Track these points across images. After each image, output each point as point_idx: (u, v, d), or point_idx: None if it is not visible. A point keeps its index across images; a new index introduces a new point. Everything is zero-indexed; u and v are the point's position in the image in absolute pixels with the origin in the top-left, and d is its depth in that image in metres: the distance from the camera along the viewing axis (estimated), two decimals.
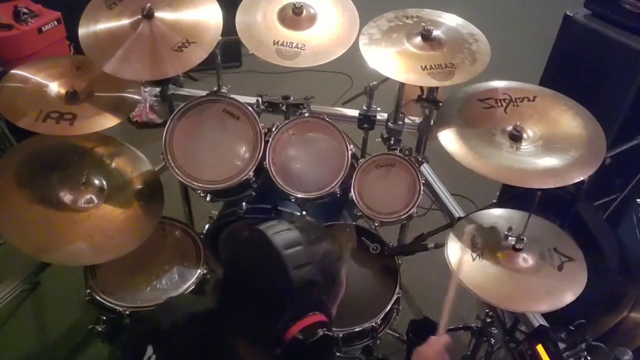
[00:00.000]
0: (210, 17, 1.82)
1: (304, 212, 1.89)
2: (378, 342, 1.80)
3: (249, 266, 1.01)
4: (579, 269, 1.51)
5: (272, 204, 1.96)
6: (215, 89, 2.01)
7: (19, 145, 1.88)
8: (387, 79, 1.79)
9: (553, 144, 1.56)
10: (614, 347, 1.51)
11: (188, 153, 1.82)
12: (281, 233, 0.99)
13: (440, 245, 1.62)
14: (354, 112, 2.09)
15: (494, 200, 2.27)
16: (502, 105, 1.69)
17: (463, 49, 1.77)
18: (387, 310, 1.75)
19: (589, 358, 1.53)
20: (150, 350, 1.08)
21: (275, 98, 1.99)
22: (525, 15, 4.94)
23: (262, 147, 1.81)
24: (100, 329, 1.79)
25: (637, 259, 2.19)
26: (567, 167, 1.49)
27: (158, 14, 1.78)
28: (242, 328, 1.02)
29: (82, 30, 1.74)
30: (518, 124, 1.58)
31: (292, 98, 2.00)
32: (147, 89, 2.91)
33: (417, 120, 2.10)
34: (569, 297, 1.43)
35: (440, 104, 1.81)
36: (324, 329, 0.97)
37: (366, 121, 2.05)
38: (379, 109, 2.06)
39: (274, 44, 1.82)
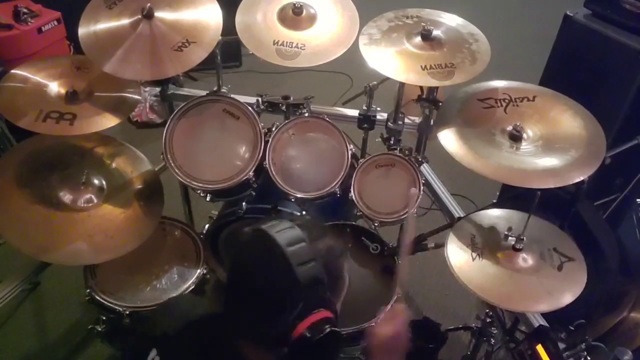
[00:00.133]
0: (210, 17, 1.82)
1: (303, 212, 1.89)
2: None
3: (253, 265, 1.00)
4: (579, 269, 1.51)
5: (272, 204, 1.96)
6: (215, 88, 2.01)
7: (19, 145, 1.88)
8: (387, 79, 1.80)
9: (553, 144, 1.56)
10: (614, 347, 1.51)
11: (188, 153, 1.82)
12: (284, 231, 0.99)
13: (440, 245, 1.62)
14: (354, 112, 2.09)
15: (494, 201, 2.27)
16: (502, 105, 1.69)
17: (463, 49, 1.77)
18: (387, 310, 1.75)
19: (588, 358, 1.53)
20: (154, 352, 1.08)
21: (275, 98, 1.99)
22: (525, 15, 4.94)
23: (262, 147, 1.81)
24: (100, 329, 1.79)
25: (637, 259, 2.19)
26: (567, 167, 1.49)
27: (158, 14, 1.78)
28: (248, 328, 1.02)
29: (82, 30, 1.74)
30: (518, 124, 1.59)
31: (292, 98, 2.00)
32: (147, 88, 2.91)
33: (417, 120, 2.10)
34: (568, 297, 1.44)
35: (440, 104, 1.81)
36: (330, 325, 0.96)
37: (366, 121, 2.05)
38: (378, 109, 2.06)
39: (274, 44, 1.82)
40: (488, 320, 1.75)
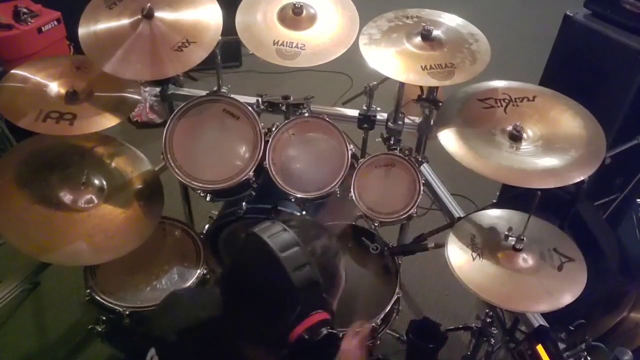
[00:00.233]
0: (210, 17, 1.82)
1: (303, 212, 1.89)
2: (378, 342, 1.80)
3: (249, 270, 1.01)
4: (579, 270, 1.51)
5: (272, 204, 1.96)
6: (215, 88, 2.01)
7: (19, 145, 1.88)
8: (387, 79, 1.80)
9: (553, 144, 1.56)
10: (614, 347, 1.51)
11: (188, 153, 1.82)
12: (276, 235, 0.99)
13: (440, 245, 1.62)
14: (354, 112, 2.09)
15: (494, 201, 2.27)
16: (501, 105, 1.69)
17: (463, 49, 1.77)
18: (387, 310, 1.75)
19: (588, 358, 1.53)
20: (152, 351, 1.08)
21: (275, 98, 1.99)
22: (525, 15, 4.94)
23: (262, 147, 1.81)
24: (100, 329, 1.80)
25: (637, 259, 2.19)
26: (567, 167, 1.49)
27: (158, 14, 1.78)
28: (247, 331, 1.02)
29: (82, 30, 1.74)
30: (518, 123, 1.59)
31: (292, 98, 2.00)
32: (147, 88, 2.91)
33: (417, 120, 2.10)
34: (568, 298, 1.44)
35: (440, 104, 1.81)
36: (328, 327, 0.97)
37: (366, 121, 2.05)
38: (378, 108, 2.06)
39: (274, 44, 1.81)
40: (488, 320, 1.75)
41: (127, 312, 1.70)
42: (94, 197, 1.73)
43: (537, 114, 1.65)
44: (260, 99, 1.98)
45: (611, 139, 1.91)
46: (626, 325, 1.96)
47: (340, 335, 1.48)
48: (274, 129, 1.87)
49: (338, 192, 1.81)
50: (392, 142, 2.02)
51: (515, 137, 1.58)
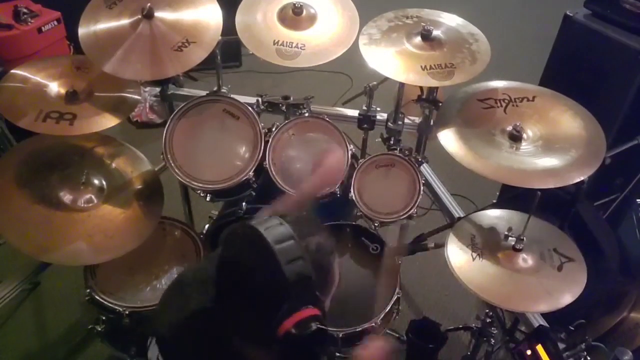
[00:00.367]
0: (210, 17, 1.82)
1: (303, 212, 1.89)
2: None
3: (242, 262, 1.00)
4: (579, 270, 1.51)
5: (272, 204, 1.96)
6: (215, 88, 2.01)
7: (19, 145, 1.88)
8: (386, 79, 1.80)
9: (553, 144, 1.57)
10: (614, 347, 1.51)
11: (188, 153, 1.82)
12: (272, 228, 0.99)
13: (440, 245, 1.62)
14: (354, 112, 2.09)
15: (494, 201, 2.27)
16: (501, 106, 1.69)
17: (463, 49, 1.77)
18: (387, 310, 1.75)
19: (588, 358, 1.53)
20: (155, 350, 1.08)
21: (275, 98, 1.99)
22: (525, 15, 4.93)
23: (262, 147, 1.81)
24: (99, 329, 1.79)
25: (637, 259, 2.19)
26: (567, 167, 1.49)
27: (158, 14, 1.78)
28: (239, 324, 1.02)
29: (82, 30, 1.74)
30: (518, 124, 1.59)
31: (292, 98, 2.00)
32: (147, 88, 2.90)
33: (417, 120, 2.10)
34: (568, 298, 1.44)
35: (440, 104, 1.81)
36: (317, 323, 0.96)
37: (366, 121, 2.05)
38: (378, 109, 2.06)
39: (274, 44, 1.82)
40: (488, 320, 1.75)
41: (127, 312, 1.70)
42: (93, 197, 1.73)
43: (537, 114, 1.65)
44: (260, 99, 1.98)
45: (611, 139, 1.91)
46: (626, 325, 1.96)
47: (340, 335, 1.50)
48: (274, 129, 1.87)
49: (338, 193, 1.81)
50: (392, 142, 2.02)
51: (515, 137, 1.58)
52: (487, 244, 1.57)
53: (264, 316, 0.96)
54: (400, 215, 1.79)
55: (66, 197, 1.70)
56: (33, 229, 1.62)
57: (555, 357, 1.49)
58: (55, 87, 1.75)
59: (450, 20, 1.88)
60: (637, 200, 2.25)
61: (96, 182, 1.77)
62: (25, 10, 2.96)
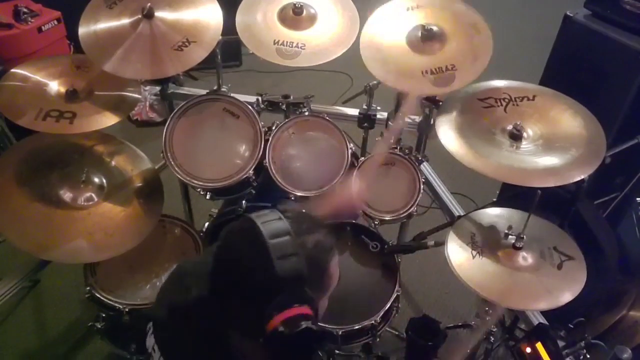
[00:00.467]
0: (210, 16, 1.82)
1: (303, 210, 1.89)
2: (377, 339, 1.80)
3: (236, 254, 1.00)
4: (579, 268, 1.51)
5: (272, 203, 1.96)
6: (215, 87, 2.01)
7: (19, 144, 1.88)
8: None
9: (553, 143, 1.57)
10: (613, 345, 1.51)
11: (188, 151, 1.82)
12: (270, 222, 0.98)
13: (440, 244, 1.62)
14: (354, 111, 2.10)
15: (494, 199, 2.27)
16: (502, 105, 1.69)
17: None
18: (386, 308, 1.75)
19: (588, 356, 1.53)
20: (150, 323, 1.09)
21: (275, 97, 1.99)
22: (525, 15, 4.94)
23: (262, 146, 1.82)
24: (99, 327, 1.80)
25: (637, 258, 2.19)
26: (567, 166, 1.49)
27: (158, 14, 1.78)
28: (233, 317, 1.02)
29: (82, 30, 1.74)
30: (518, 123, 1.59)
31: (292, 97, 2.00)
32: (147, 87, 2.92)
33: (417, 119, 2.10)
34: (568, 296, 1.43)
35: (441, 103, 1.81)
36: (308, 322, 0.93)
37: (366, 120, 2.06)
38: (379, 108, 2.06)
39: (274, 44, 1.82)
40: (487, 318, 1.75)
41: (127, 310, 1.70)
42: (93, 195, 1.73)
43: (537, 113, 1.65)
44: (260, 98, 1.98)
45: (611, 138, 1.91)
46: (625, 323, 1.96)
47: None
48: (274, 127, 1.87)
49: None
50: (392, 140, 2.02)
51: (516, 136, 1.58)
52: (487, 242, 1.57)
53: (254, 310, 0.95)
54: (400, 214, 1.80)
55: (66, 195, 1.70)
56: (33, 227, 1.62)
57: (555, 355, 1.49)
58: (55, 86, 1.76)
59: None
60: (637, 199, 2.26)
61: (96, 180, 1.77)
62: (25, 10, 2.97)
